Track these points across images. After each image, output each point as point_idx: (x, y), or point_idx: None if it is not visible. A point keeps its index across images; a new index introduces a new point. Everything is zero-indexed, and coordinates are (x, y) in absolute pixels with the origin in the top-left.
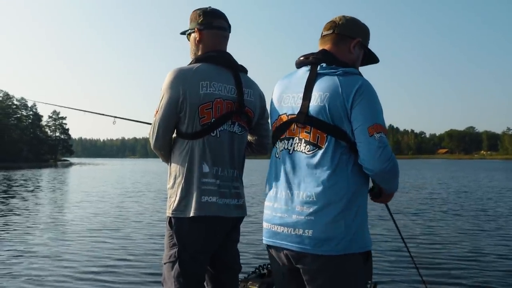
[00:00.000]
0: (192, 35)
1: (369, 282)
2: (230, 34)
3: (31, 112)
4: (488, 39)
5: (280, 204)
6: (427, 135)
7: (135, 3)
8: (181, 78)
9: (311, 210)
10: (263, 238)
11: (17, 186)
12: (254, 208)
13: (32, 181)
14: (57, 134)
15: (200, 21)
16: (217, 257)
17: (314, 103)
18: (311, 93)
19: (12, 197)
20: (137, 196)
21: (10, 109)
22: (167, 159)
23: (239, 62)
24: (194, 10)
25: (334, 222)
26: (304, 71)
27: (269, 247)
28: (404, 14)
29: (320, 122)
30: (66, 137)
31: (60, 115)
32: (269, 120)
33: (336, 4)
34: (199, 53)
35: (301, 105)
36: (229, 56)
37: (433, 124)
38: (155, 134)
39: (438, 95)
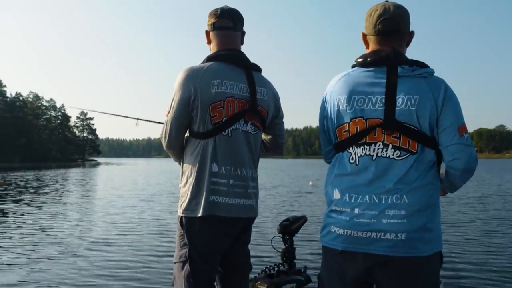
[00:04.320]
0: None
1: (441, 280)
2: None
3: (59, 113)
4: None
5: (365, 209)
6: None
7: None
8: (192, 77)
9: (403, 213)
10: (336, 244)
11: (47, 185)
12: (264, 208)
13: (62, 180)
14: (85, 134)
15: (208, 22)
16: (227, 258)
17: (404, 107)
18: (396, 96)
19: (43, 196)
20: (159, 195)
21: (39, 110)
22: (179, 158)
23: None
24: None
25: (425, 223)
26: (377, 72)
27: (344, 253)
28: (436, 8)
29: (411, 129)
30: (93, 137)
31: (88, 116)
32: (330, 123)
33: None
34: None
35: (387, 110)
36: (241, 55)
37: None
38: (167, 134)
39: (466, 92)
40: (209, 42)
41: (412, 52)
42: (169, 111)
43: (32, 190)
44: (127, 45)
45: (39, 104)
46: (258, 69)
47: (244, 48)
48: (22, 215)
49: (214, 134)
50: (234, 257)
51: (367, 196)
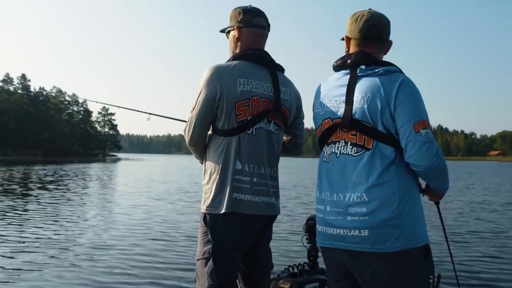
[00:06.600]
0: (231, 32)
1: (431, 276)
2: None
3: (81, 108)
4: None
5: (333, 207)
6: (478, 136)
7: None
8: (218, 75)
9: (364, 210)
10: (318, 240)
11: (61, 180)
12: (287, 207)
13: (78, 176)
14: (106, 129)
15: (239, 19)
16: (249, 255)
17: (358, 105)
18: (353, 96)
19: (52, 191)
20: (178, 192)
21: (62, 105)
22: (201, 155)
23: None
24: (234, 8)
25: (388, 220)
26: (343, 74)
27: (324, 249)
28: (463, 7)
29: (365, 127)
30: (114, 133)
31: (109, 111)
32: (313, 125)
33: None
34: (237, 50)
35: (345, 109)
36: (267, 55)
37: (484, 124)
38: (191, 131)
39: (490, 94)
40: (239, 38)
41: (453, 52)
42: (194, 108)
43: (40, 185)
44: (151, 41)
45: (62, 99)
46: (281, 69)
47: (275, 41)
48: (26, 211)
49: (238, 132)
50: (255, 255)
51: (334, 194)
